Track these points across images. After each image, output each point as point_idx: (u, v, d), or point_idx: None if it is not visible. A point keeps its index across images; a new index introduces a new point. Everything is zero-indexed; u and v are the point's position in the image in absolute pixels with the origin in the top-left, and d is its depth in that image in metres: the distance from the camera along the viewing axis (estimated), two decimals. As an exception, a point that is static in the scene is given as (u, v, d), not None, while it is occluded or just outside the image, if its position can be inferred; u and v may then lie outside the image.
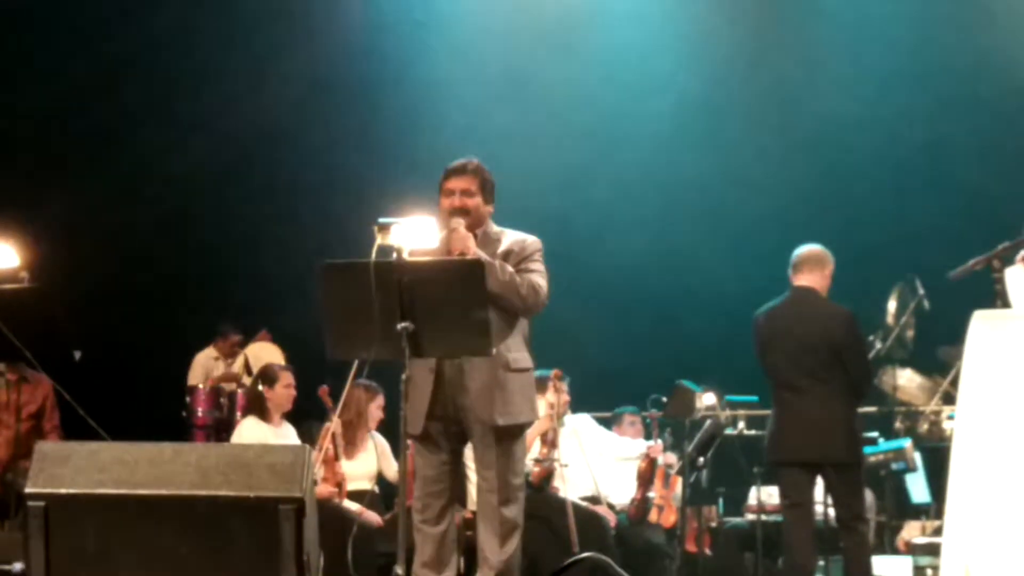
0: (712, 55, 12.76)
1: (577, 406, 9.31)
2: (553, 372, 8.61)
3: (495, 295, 5.67)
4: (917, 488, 9.64)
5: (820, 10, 12.71)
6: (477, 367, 5.82)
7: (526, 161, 12.02)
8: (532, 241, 6.06)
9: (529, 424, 6.11)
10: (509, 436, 5.93)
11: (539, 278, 5.95)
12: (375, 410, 8.68)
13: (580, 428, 9.20)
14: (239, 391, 11.55)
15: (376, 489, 8.63)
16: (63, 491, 4.93)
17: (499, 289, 5.74)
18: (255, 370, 10.47)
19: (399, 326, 5.30)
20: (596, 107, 12.93)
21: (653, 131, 12.83)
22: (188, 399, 11.80)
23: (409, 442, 5.91)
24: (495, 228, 6.07)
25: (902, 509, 9.68)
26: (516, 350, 5.97)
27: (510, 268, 5.86)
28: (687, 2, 12.96)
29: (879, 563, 8.20)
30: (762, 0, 13.06)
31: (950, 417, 9.27)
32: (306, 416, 9.04)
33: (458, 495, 6.16)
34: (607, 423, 9.88)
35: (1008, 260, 5.81)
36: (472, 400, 5.85)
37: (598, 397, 10.17)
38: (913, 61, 12.28)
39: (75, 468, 4.97)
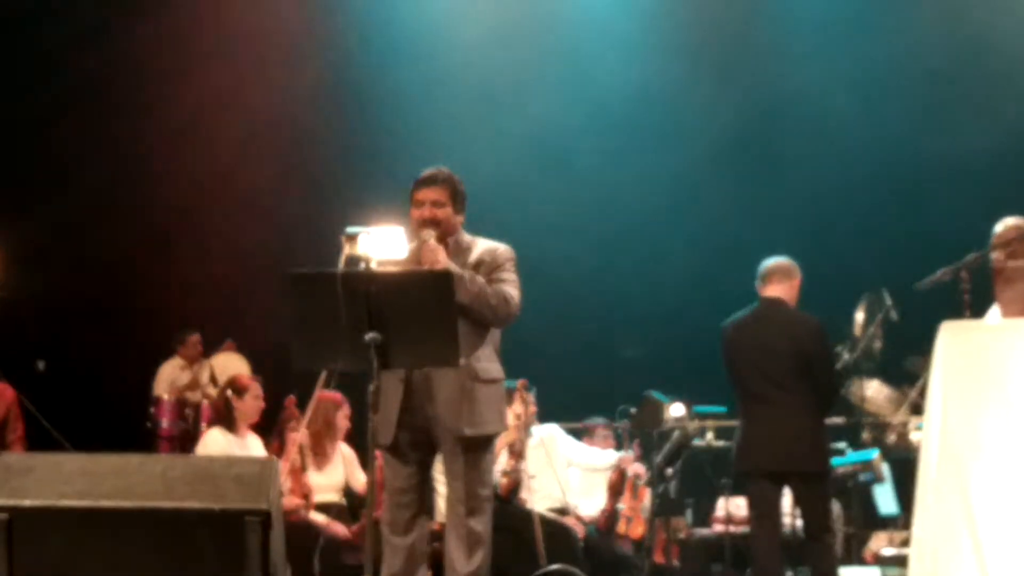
0: (681, 70, 12.80)
1: (546, 417, 9.29)
2: (519, 382, 8.59)
3: (465, 307, 5.65)
4: (885, 499, 9.66)
5: (794, 20, 12.75)
6: (445, 377, 5.79)
7: (499, 171, 12.04)
8: (504, 250, 6.03)
9: (497, 435, 6.08)
10: (477, 447, 5.90)
11: (511, 288, 5.93)
12: (342, 420, 8.65)
13: (548, 438, 9.18)
14: (204, 402, 11.51)
15: (343, 501, 8.59)
16: (27, 503, 4.88)
17: (469, 301, 5.71)
18: (221, 380, 10.43)
19: (367, 337, 5.27)
20: (568, 118, 12.94)
21: (624, 143, 12.87)
22: (153, 410, 11.76)
23: (377, 453, 5.88)
24: (466, 237, 6.04)
25: (869, 520, 9.69)
26: (486, 360, 5.94)
27: (480, 279, 5.83)
28: (663, 14, 13.00)
29: (846, 574, 8.21)
30: (741, 18, 13.10)
31: (918, 428, 9.28)
32: (271, 427, 9.00)
33: (427, 506, 6.11)
34: (577, 434, 9.87)
35: (975, 271, 5.83)
36: (440, 410, 5.83)
37: (567, 408, 10.17)
38: (884, 72, 12.37)
39: (39, 480, 4.92)
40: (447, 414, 5.81)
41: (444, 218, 5.94)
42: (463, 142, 11.92)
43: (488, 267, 5.92)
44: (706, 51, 12.84)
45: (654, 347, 12.23)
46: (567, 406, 10.23)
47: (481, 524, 5.91)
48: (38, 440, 7.82)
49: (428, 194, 5.95)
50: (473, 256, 5.94)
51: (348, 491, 8.68)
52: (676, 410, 8.81)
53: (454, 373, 5.75)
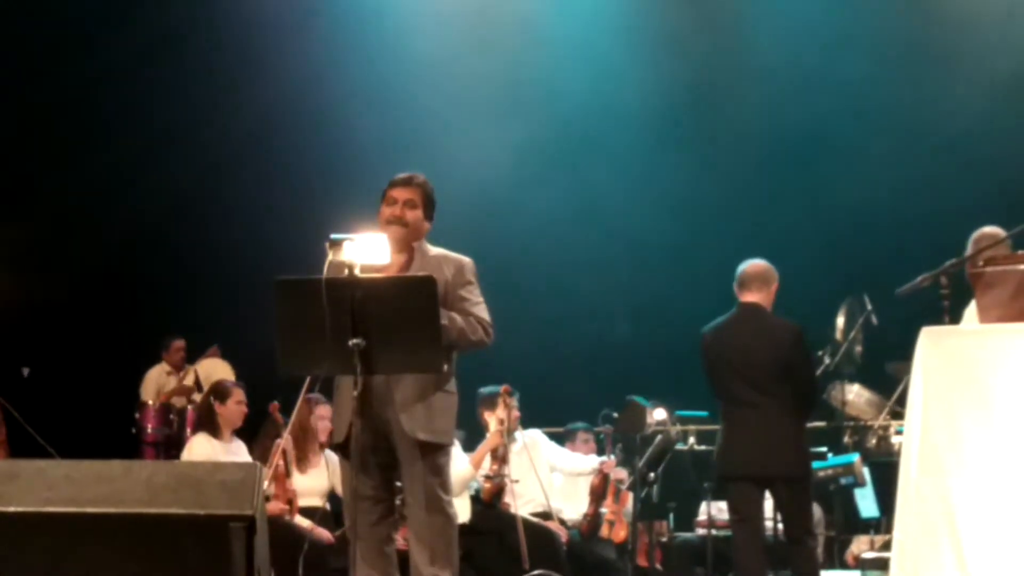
0: (658, 70, 12.83)
1: (528, 422, 9.32)
2: (503, 388, 8.61)
3: (449, 346, 5.70)
4: (866, 503, 9.68)
5: (770, 17, 12.77)
6: (405, 381, 5.78)
7: (490, 178, 12.08)
8: (467, 263, 6.00)
9: (449, 446, 6.03)
10: (434, 451, 5.86)
11: (482, 312, 5.92)
12: (316, 422, 8.60)
13: (531, 443, 9.21)
14: (189, 407, 11.52)
15: (327, 506, 8.59)
16: (11, 509, 4.88)
17: (453, 342, 5.74)
18: (206, 386, 10.44)
19: (351, 342, 5.29)
20: (549, 122, 12.96)
21: (605, 144, 12.91)
22: (137, 416, 11.76)
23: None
24: (427, 247, 6.03)
25: (851, 524, 9.71)
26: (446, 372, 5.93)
27: (460, 321, 5.81)
28: (648, 12, 13.04)
29: (828, 578, 8.25)
30: (720, 10, 13.14)
31: (898, 432, 9.32)
32: (256, 432, 9.01)
33: (394, 511, 6.09)
34: (559, 439, 9.89)
35: (954, 276, 5.86)
36: (397, 413, 5.79)
37: (549, 413, 10.20)
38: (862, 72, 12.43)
39: (23, 486, 4.93)
40: (404, 418, 5.78)
41: (413, 220, 5.94)
42: (457, 149, 11.97)
43: (453, 283, 5.91)
44: (680, 37, 12.89)
45: (639, 351, 12.26)
46: (549, 411, 10.25)
47: (443, 526, 5.87)
48: (23, 446, 7.82)
49: (402, 193, 5.95)
50: (443, 274, 5.86)
51: (334, 496, 8.69)
52: (658, 414, 8.83)
53: (414, 378, 5.75)
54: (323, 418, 8.61)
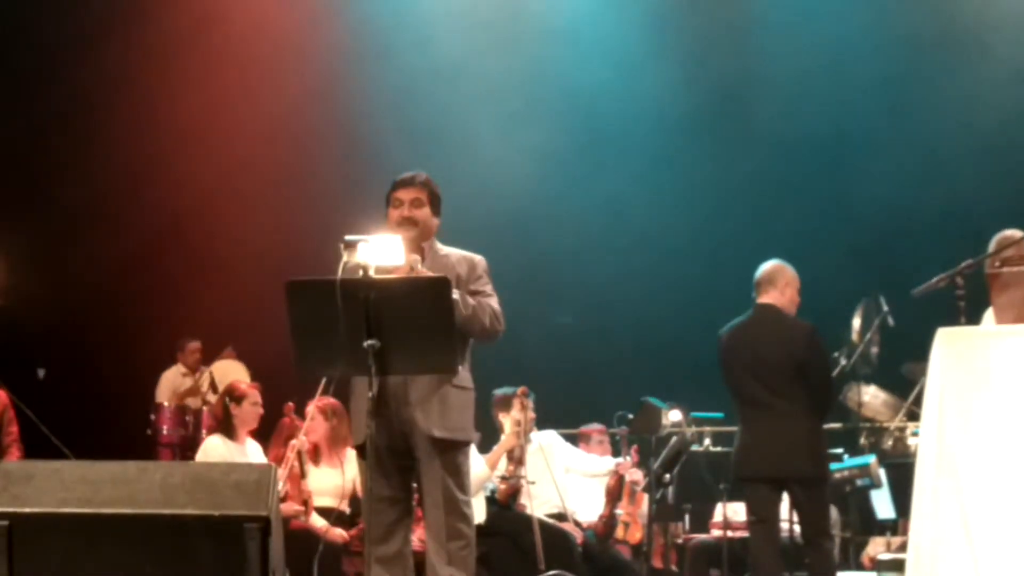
0: (683, 70, 12.81)
1: (543, 423, 9.31)
2: (519, 389, 8.60)
3: (462, 331, 5.66)
4: (882, 504, 9.66)
5: (795, 15, 12.75)
6: (419, 379, 5.77)
7: (496, 175, 12.07)
8: (480, 260, 6.01)
9: (468, 444, 6.02)
10: (451, 450, 5.85)
11: (495, 303, 5.92)
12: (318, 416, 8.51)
13: (547, 444, 9.20)
14: (204, 408, 11.53)
15: (347, 509, 8.55)
16: (27, 510, 4.89)
17: (462, 322, 5.70)
18: (221, 387, 10.44)
19: (365, 343, 5.29)
20: (572, 123, 12.94)
21: (627, 145, 12.89)
22: (153, 417, 11.78)
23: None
24: (438, 246, 6.03)
25: (867, 525, 9.70)
26: (461, 368, 5.91)
27: (472, 301, 5.82)
28: (672, 12, 13.02)
29: (844, 579, 8.23)
30: (744, 9, 13.13)
31: (915, 433, 9.31)
32: (271, 434, 9.02)
33: (412, 512, 6.08)
34: (573, 440, 9.89)
35: (973, 278, 5.85)
36: (413, 411, 5.78)
37: (564, 414, 10.19)
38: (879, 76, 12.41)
39: (39, 487, 4.93)
40: (420, 415, 5.78)
41: (422, 218, 5.95)
42: (478, 150, 11.97)
43: (465, 282, 5.90)
44: (691, 44, 12.89)
45: (655, 352, 12.24)
46: (564, 412, 10.25)
47: (461, 527, 5.85)
48: (38, 447, 7.82)
49: (407, 193, 5.96)
50: (451, 267, 5.87)
51: (356, 499, 8.66)
52: (674, 416, 8.82)
53: (429, 376, 5.75)
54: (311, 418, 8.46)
